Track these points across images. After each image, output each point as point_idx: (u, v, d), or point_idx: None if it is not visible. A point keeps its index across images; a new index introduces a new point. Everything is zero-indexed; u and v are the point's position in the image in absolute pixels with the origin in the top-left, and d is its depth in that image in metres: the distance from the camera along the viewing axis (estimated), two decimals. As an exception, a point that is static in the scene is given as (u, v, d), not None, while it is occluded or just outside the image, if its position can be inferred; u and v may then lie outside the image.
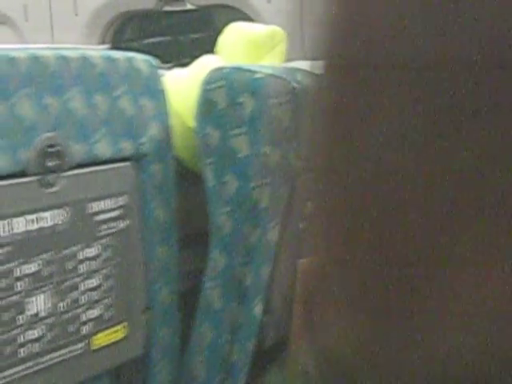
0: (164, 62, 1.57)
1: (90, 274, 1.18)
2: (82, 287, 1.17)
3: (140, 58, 1.29)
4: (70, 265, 1.15)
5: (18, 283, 1.08)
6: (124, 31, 3.09)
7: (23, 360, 1.09)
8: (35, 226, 1.10)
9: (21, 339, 1.09)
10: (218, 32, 1.63)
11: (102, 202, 1.19)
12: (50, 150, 1.12)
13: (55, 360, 1.14)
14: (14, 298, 1.08)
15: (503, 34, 0.24)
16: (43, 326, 1.12)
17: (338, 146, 0.28)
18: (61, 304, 1.14)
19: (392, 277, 0.27)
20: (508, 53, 0.24)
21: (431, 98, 0.25)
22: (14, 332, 1.08)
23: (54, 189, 1.13)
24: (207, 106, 1.31)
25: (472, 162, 0.25)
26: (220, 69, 1.32)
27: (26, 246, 1.09)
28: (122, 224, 1.23)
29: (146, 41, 3.08)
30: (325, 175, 0.29)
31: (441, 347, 0.26)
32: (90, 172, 1.19)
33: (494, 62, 0.24)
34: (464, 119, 0.25)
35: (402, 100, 0.26)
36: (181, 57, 2.67)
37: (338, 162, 0.28)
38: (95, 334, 1.20)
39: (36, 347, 1.11)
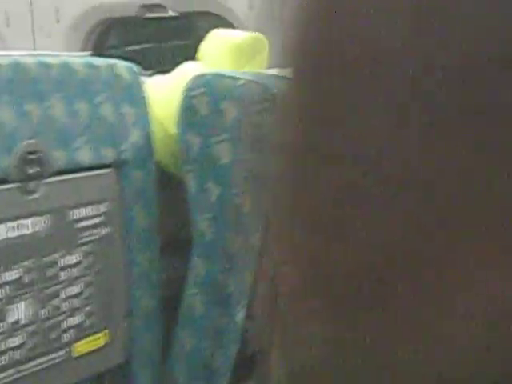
0: (146, 68, 1.57)
1: (71, 282, 1.18)
2: (63, 294, 1.17)
3: (122, 65, 1.29)
4: (50, 272, 1.14)
5: (-1, 290, 1.08)
6: (106, 38, 3.08)
7: (4, 367, 1.09)
8: (16, 233, 1.09)
9: (1, 347, 1.08)
10: (200, 39, 1.63)
11: (83, 209, 1.19)
12: (30, 156, 1.11)
13: (36, 368, 1.13)
14: (-5, 305, 1.07)
15: (502, 33, 0.24)
16: (24, 334, 1.11)
17: (313, 149, 0.28)
18: (42, 311, 1.14)
19: (371, 281, 0.27)
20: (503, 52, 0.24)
21: (416, 97, 0.25)
22: (-5, 340, 1.08)
23: (34, 196, 1.12)
24: (189, 112, 1.31)
25: (463, 164, 0.25)
26: (202, 75, 1.32)
27: (6, 253, 1.08)
28: (103, 231, 1.23)
29: (128, 48, 3.08)
30: (295, 179, 0.29)
31: (424, 356, 0.26)
32: (71, 179, 1.18)
33: (490, 60, 0.24)
34: (456, 119, 0.24)
35: (384, 101, 0.26)
36: (163, 64, 2.67)
37: (311, 165, 0.28)
38: (76, 341, 1.20)
39: (17, 355, 1.10)
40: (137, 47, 3.06)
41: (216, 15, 2.64)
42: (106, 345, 1.25)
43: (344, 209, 0.27)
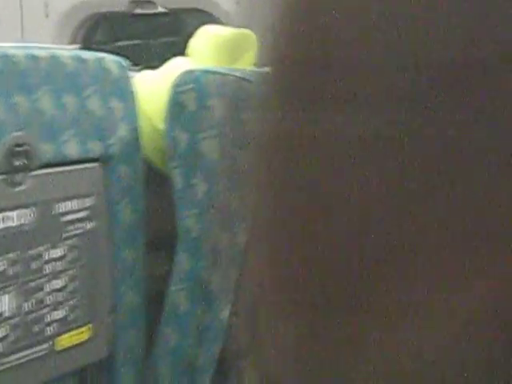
0: (135, 64, 1.57)
1: (55, 275, 1.17)
2: (47, 288, 1.16)
3: (110, 59, 1.29)
4: (35, 265, 1.14)
5: (-17, 283, 1.07)
6: (94, 33, 3.08)
7: None
8: (1, 226, 1.09)
9: (-16, 339, 1.08)
10: (189, 35, 1.63)
11: (69, 203, 1.19)
12: (17, 149, 1.11)
13: (19, 361, 1.13)
14: (-21, 297, 1.07)
15: (480, 40, 0.24)
16: (7, 326, 1.11)
17: (288, 150, 0.28)
18: (25, 304, 1.13)
19: (340, 291, 0.26)
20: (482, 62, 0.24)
21: (395, 105, 0.25)
22: (-22, 332, 1.07)
23: (21, 188, 1.12)
24: (177, 108, 1.31)
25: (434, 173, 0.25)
26: (190, 71, 1.32)
27: None
28: (88, 225, 1.22)
29: (117, 43, 3.07)
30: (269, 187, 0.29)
31: (391, 367, 0.26)
32: (58, 172, 1.18)
33: (487, 60, 0.24)
34: (446, 120, 0.24)
35: (364, 100, 0.25)
36: (151, 60, 2.66)
37: (285, 167, 0.28)
38: (60, 335, 1.19)
39: (0, 347, 1.10)
40: (126, 43, 3.05)
41: (205, 12, 2.64)
42: (89, 339, 1.24)
43: (316, 212, 0.27)
